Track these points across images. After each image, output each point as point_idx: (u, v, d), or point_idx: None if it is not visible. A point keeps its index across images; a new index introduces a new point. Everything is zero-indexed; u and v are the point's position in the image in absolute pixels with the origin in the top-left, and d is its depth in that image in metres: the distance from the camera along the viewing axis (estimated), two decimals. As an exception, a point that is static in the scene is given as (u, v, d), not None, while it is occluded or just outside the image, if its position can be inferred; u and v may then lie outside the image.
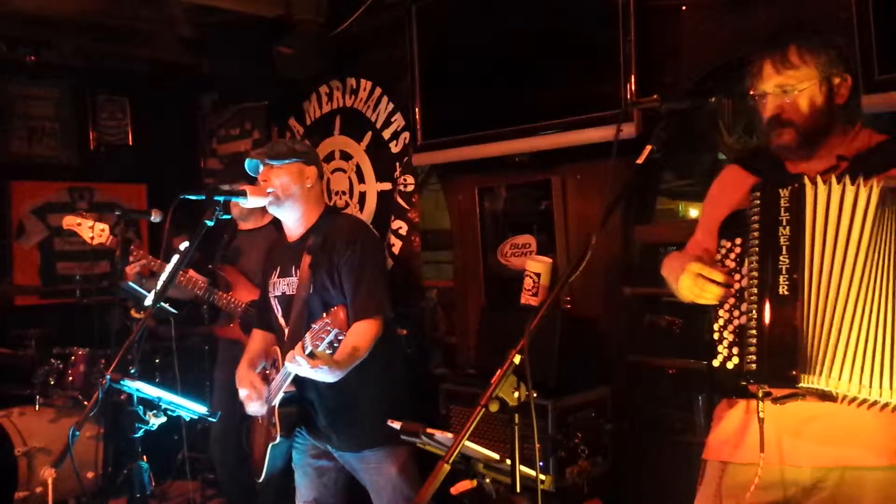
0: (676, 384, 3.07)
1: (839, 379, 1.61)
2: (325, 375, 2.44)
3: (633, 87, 2.88)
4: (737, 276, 1.73)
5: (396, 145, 4.03)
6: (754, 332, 1.66)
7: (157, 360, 4.34)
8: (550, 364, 2.91)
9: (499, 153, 3.35)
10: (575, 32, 3.09)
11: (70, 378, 3.96)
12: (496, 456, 1.87)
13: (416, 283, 4.00)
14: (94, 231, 3.42)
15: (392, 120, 4.05)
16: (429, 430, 1.90)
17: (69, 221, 3.48)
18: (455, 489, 1.87)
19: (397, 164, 4.02)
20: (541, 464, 2.46)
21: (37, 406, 3.94)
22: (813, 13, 2.57)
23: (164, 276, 2.47)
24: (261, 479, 2.81)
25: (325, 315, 2.32)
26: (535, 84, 3.23)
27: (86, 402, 3.87)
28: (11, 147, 4.97)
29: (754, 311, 1.67)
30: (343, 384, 2.57)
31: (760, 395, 1.68)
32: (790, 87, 1.74)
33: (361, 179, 4.25)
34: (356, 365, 2.57)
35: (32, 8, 4.06)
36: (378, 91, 4.12)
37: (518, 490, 1.58)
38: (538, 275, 3.13)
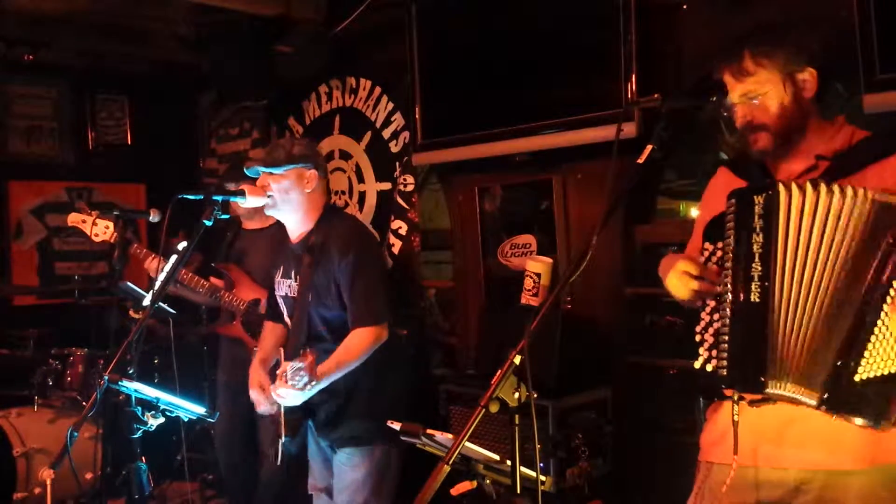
0: (677, 384, 3.06)
1: (803, 385, 1.61)
2: (315, 389, 2.50)
3: (633, 87, 2.87)
4: (719, 279, 1.73)
5: (396, 145, 4.02)
6: (726, 337, 1.67)
7: (156, 361, 4.32)
8: (551, 364, 2.90)
9: (499, 153, 3.34)
10: (575, 32, 3.08)
11: (68, 378, 3.94)
12: (496, 457, 1.86)
13: (415, 283, 4.00)
14: (98, 228, 3.43)
15: (392, 119, 4.04)
16: (429, 431, 1.90)
17: (73, 219, 3.48)
18: (455, 490, 1.87)
19: (397, 163, 4.02)
20: (541, 465, 2.46)
21: (35, 407, 3.93)
22: (813, 12, 2.56)
23: (161, 276, 2.46)
24: (278, 463, 2.81)
25: (300, 357, 2.41)
26: (535, 84, 3.23)
27: (84, 403, 3.86)
28: (10, 146, 4.96)
29: (727, 318, 1.68)
30: (341, 386, 2.59)
31: (735, 398, 1.69)
32: (754, 93, 1.75)
33: (361, 179, 4.24)
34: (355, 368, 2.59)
35: (31, 7, 4.06)
36: (378, 90, 4.11)
37: (518, 491, 1.57)
38: (538, 275, 3.12)
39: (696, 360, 1.75)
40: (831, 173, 1.70)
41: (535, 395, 1.57)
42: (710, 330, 1.73)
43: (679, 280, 1.76)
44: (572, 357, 2.95)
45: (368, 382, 2.69)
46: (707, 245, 1.79)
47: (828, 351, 1.58)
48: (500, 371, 1.53)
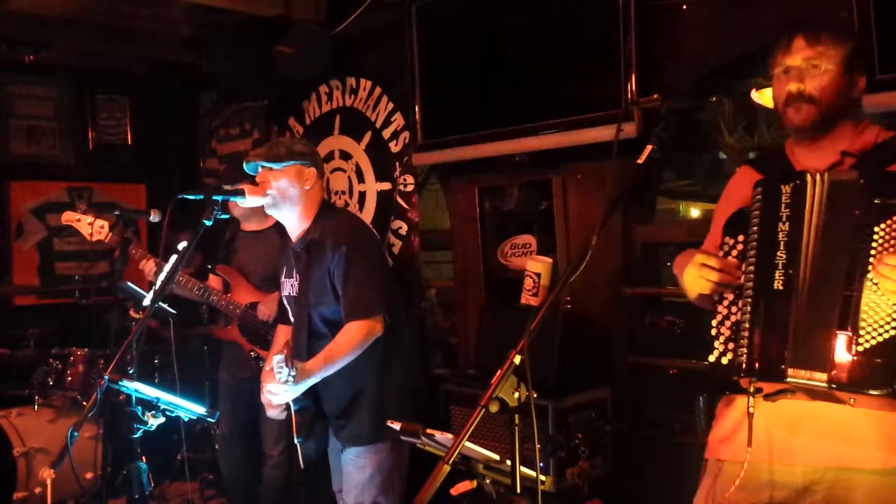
0: (677, 384, 3.07)
1: (812, 369, 1.62)
2: (306, 385, 2.50)
3: (633, 87, 2.87)
4: (738, 273, 1.74)
5: (396, 145, 4.03)
6: (747, 325, 1.68)
7: (156, 361, 4.33)
8: (550, 364, 2.90)
9: (499, 153, 3.34)
10: (575, 32, 3.08)
11: (69, 378, 3.94)
12: (496, 456, 1.86)
13: (415, 283, 4.00)
14: (93, 228, 3.41)
15: (392, 119, 4.05)
16: (429, 431, 1.90)
17: (68, 217, 3.46)
18: (455, 490, 1.87)
19: (397, 163, 4.02)
20: (541, 464, 2.46)
21: (35, 406, 3.93)
22: (813, 12, 2.57)
23: (162, 276, 2.46)
24: (302, 467, 2.81)
25: (282, 347, 2.40)
26: (535, 84, 3.23)
27: (85, 403, 3.86)
28: (10, 147, 4.96)
29: (748, 306, 1.68)
30: (348, 385, 2.59)
31: (752, 390, 1.69)
32: (819, 62, 1.75)
33: (361, 179, 4.24)
34: (355, 365, 2.58)
35: (32, 7, 4.06)
36: (378, 90, 4.12)
37: (518, 491, 1.57)
38: (538, 275, 3.13)
39: (711, 353, 1.75)
40: (864, 167, 1.70)
41: (535, 395, 1.57)
42: (727, 323, 1.73)
43: (698, 272, 1.75)
44: (572, 357, 2.95)
45: (374, 382, 2.69)
46: (727, 239, 1.80)
47: (831, 329, 1.60)
48: (499, 371, 1.53)
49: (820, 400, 1.68)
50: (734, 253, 1.77)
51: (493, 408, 1.52)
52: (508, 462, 1.60)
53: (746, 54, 2.65)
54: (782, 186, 1.70)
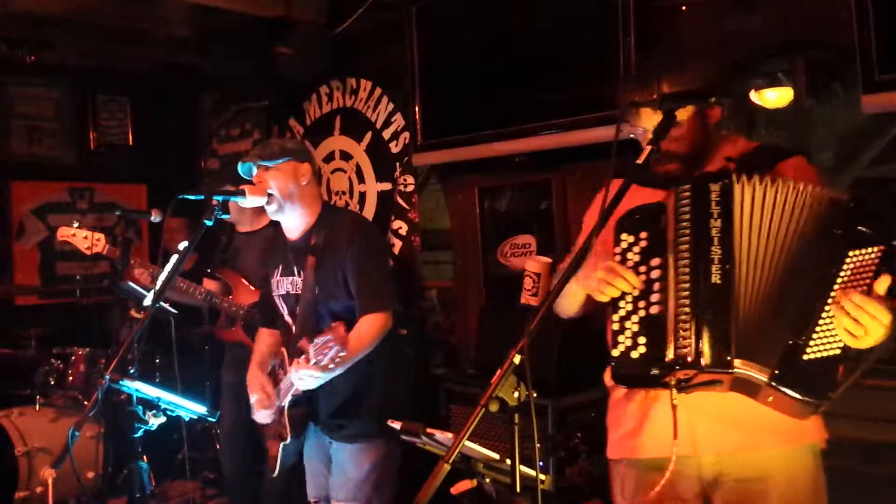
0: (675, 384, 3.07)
1: (756, 362, 1.64)
2: (328, 377, 2.47)
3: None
4: (642, 269, 1.77)
5: (396, 145, 4.03)
6: (687, 317, 1.68)
7: (157, 360, 4.34)
8: (550, 364, 2.91)
9: (499, 153, 3.35)
10: (575, 32, 3.09)
11: (70, 378, 3.95)
12: (496, 456, 1.87)
13: (415, 283, 4.00)
14: (90, 241, 3.40)
15: (392, 120, 4.05)
16: (429, 430, 1.90)
17: (63, 233, 3.45)
18: (455, 489, 1.88)
19: (397, 164, 4.03)
20: (541, 464, 2.46)
21: (37, 406, 3.95)
22: (813, 13, 2.57)
23: (163, 276, 2.46)
24: (274, 475, 2.80)
25: (326, 330, 2.33)
26: (535, 84, 3.23)
27: (86, 402, 3.87)
28: (12, 147, 4.97)
29: (686, 299, 1.69)
30: (344, 382, 2.60)
31: (673, 382, 1.70)
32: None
33: (361, 179, 4.25)
34: (360, 361, 2.59)
35: (33, 8, 4.07)
36: (378, 91, 4.12)
37: (518, 490, 1.58)
38: (538, 275, 3.13)
39: (615, 348, 1.78)
40: (747, 171, 1.75)
41: (535, 394, 1.57)
42: (635, 318, 1.76)
43: (606, 275, 1.77)
44: (572, 356, 2.96)
45: (372, 380, 2.70)
46: (626, 236, 1.82)
47: (780, 331, 1.63)
48: (499, 370, 1.54)
49: (739, 392, 1.71)
50: (636, 249, 1.79)
51: (493, 407, 1.53)
52: (508, 461, 1.60)
53: (746, 54, 2.66)
54: (710, 185, 1.73)
